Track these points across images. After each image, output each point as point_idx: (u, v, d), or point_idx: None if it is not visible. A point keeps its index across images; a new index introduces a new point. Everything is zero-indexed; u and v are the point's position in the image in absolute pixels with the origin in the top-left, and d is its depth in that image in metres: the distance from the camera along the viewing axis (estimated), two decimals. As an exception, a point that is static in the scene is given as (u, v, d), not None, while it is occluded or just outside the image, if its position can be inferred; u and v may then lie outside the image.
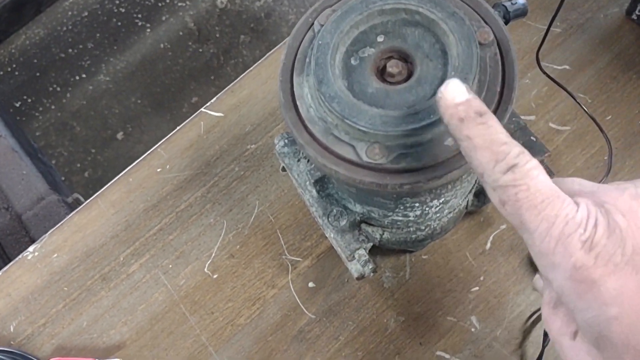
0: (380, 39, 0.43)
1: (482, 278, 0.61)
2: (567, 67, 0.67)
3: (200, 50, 1.88)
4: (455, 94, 0.35)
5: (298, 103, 0.43)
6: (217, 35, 1.88)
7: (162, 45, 1.89)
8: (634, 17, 0.67)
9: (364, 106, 0.40)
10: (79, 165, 1.79)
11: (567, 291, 0.31)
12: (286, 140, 0.54)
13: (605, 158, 0.63)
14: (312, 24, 0.45)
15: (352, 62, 0.43)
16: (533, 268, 0.61)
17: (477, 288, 0.61)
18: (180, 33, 1.90)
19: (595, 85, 0.66)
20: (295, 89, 0.44)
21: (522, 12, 0.53)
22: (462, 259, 0.62)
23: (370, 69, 0.42)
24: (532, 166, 0.32)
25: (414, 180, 0.40)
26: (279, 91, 0.44)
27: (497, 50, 0.42)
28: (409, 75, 0.42)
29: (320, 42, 0.42)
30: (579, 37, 0.68)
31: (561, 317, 0.36)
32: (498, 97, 0.41)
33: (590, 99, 0.66)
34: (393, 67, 0.42)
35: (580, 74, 0.67)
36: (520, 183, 0.31)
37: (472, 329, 0.60)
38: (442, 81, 0.41)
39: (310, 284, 0.64)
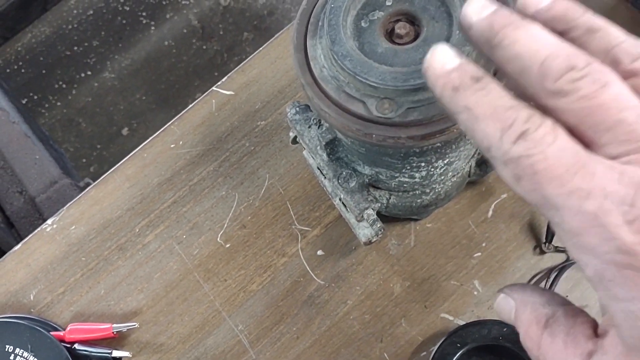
0: (388, 2, 0.46)
1: (484, 244, 0.64)
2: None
3: (204, 47, 1.91)
4: (444, 60, 0.30)
5: (312, 64, 0.46)
6: (221, 33, 1.91)
7: (166, 43, 1.93)
8: (628, -3, 0.70)
9: (374, 64, 0.43)
10: (85, 160, 1.82)
11: (608, 277, 0.25)
12: (297, 108, 0.57)
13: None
14: (324, -10, 0.48)
15: (363, 24, 0.46)
16: (533, 234, 0.64)
17: (479, 254, 0.64)
18: (184, 31, 1.93)
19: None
20: (308, 51, 0.47)
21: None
22: (465, 226, 0.65)
23: (380, 30, 0.45)
24: (547, 129, 0.26)
25: (423, 133, 0.43)
26: (294, 54, 0.47)
27: (499, 13, 0.45)
28: (416, 36, 0.45)
29: (332, 5, 0.45)
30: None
31: (562, 338, 0.29)
32: (500, 56, 0.44)
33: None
34: (401, 28, 0.45)
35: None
36: (534, 152, 0.26)
37: (475, 292, 0.62)
38: (447, 40, 0.44)
39: (319, 252, 0.66)
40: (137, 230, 0.69)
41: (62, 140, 1.84)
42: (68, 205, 0.71)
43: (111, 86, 1.90)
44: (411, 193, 0.56)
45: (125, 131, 1.84)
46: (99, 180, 0.72)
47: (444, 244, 0.64)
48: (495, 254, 0.63)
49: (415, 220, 0.66)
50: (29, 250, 0.70)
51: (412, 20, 0.45)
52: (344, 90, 0.45)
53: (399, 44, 0.45)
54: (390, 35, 0.45)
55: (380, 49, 0.44)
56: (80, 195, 0.72)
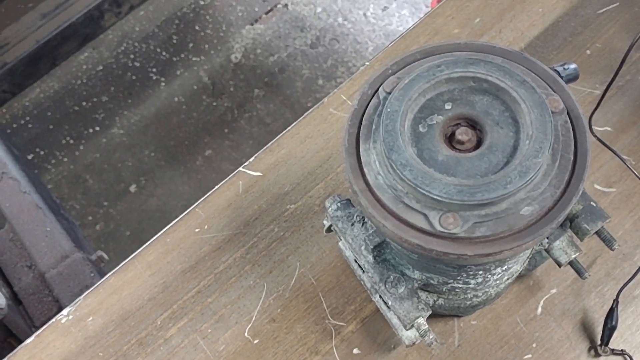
0: (447, 106, 0.43)
1: (534, 345, 0.59)
2: (609, 128, 0.67)
3: (215, 104, 1.89)
4: None
5: (365, 170, 0.43)
6: (232, 90, 1.90)
7: (176, 99, 1.91)
8: (674, 79, 0.68)
9: (436, 174, 0.40)
10: (90, 218, 1.78)
11: None
12: (339, 204, 0.53)
13: (654, 220, 0.63)
14: (377, 90, 0.45)
15: (421, 129, 0.42)
16: (587, 334, 0.59)
17: (529, 356, 0.59)
18: (195, 87, 1.92)
19: (639, 147, 0.66)
20: (361, 156, 0.43)
21: (574, 77, 0.53)
22: (513, 324, 0.60)
23: (439, 136, 0.42)
24: None
25: (490, 251, 0.39)
26: (346, 158, 0.44)
27: (568, 118, 0.42)
28: (479, 142, 0.42)
29: (388, 109, 0.42)
30: (619, 99, 0.69)
31: None
32: (572, 165, 0.41)
33: (634, 161, 0.66)
34: (462, 134, 0.42)
35: (622, 135, 0.67)
36: None
37: (527, 399, 0.58)
38: (514, 148, 0.41)
39: (355, 350, 0.62)
40: (159, 322, 0.65)
41: (68, 197, 1.80)
42: (85, 294, 0.67)
43: (119, 142, 1.87)
44: (462, 296, 0.52)
45: (133, 188, 1.80)
46: (119, 267, 0.68)
47: (491, 344, 0.60)
48: (546, 356, 0.59)
49: (459, 316, 0.61)
50: (43, 343, 0.65)
51: (474, 125, 0.42)
52: (403, 201, 0.41)
53: (460, 150, 0.42)
54: (451, 140, 0.42)
55: (441, 156, 0.41)
56: (98, 283, 0.68)
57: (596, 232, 0.51)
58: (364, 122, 0.44)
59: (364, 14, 1.97)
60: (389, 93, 0.43)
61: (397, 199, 0.41)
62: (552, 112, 0.41)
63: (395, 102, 0.42)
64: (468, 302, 0.54)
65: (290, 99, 1.83)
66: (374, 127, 0.43)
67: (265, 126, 1.82)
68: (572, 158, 0.41)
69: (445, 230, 0.40)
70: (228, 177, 0.71)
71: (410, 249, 0.41)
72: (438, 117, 0.43)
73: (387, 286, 0.50)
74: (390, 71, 0.46)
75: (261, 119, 1.84)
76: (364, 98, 0.45)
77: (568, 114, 0.43)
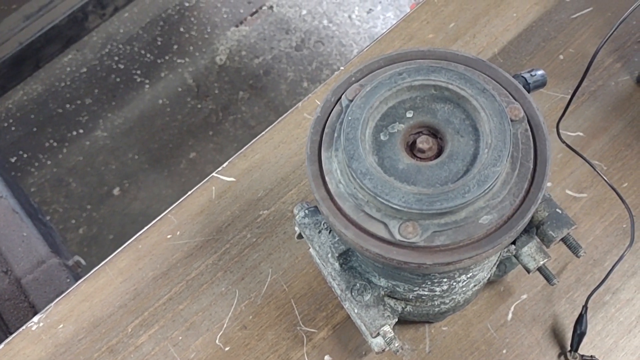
0: (409, 114, 0.43)
1: (504, 351, 0.59)
2: (581, 133, 0.68)
3: (199, 106, 1.88)
4: None
5: (327, 178, 0.43)
6: (216, 92, 1.90)
7: (160, 102, 1.90)
8: (645, 85, 0.68)
9: (396, 183, 0.40)
10: (73, 221, 1.77)
11: None
12: (306, 211, 0.53)
13: (624, 226, 0.63)
14: (340, 98, 0.45)
15: (382, 137, 0.42)
16: (557, 339, 0.59)
17: (499, 361, 0.59)
18: (179, 89, 1.91)
19: (609, 153, 0.66)
20: (323, 164, 0.43)
21: (541, 83, 0.53)
22: (483, 330, 0.60)
23: (400, 144, 0.42)
24: None
25: (450, 260, 0.39)
26: (308, 166, 0.43)
27: (528, 126, 0.42)
28: (440, 151, 0.42)
29: (350, 117, 0.42)
30: (591, 105, 0.69)
31: None
32: (531, 173, 0.41)
33: (605, 166, 0.66)
34: (423, 142, 0.41)
35: (594, 141, 0.67)
36: None
37: (497, 405, 0.58)
38: (474, 157, 0.40)
39: (327, 357, 0.61)
40: (130, 330, 0.64)
41: (51, 201, 1.79)
42: (56, 301, 0.66)
43: (103, 145, 1.86)
44: (429, 304, 0.52)
45: (116, 191, 1.79)
46: (90, 273, 0.68)
47: (461, 350, 0.60)
48: (516, 361, 0.59)
49: (430, 322, 0.61)
50: (13, 351, 0.64)
51: (435, 133, 0.42)
52: (363, 210, 0.41)
53: (421, 159, 0.42)
54: (412, 148, 0.42)
55: (402, 164, 0.41)
56: (69, 290, 0.67)
57: (562, 239, 0.51)
58: (326, 129, 0.44)
59: (349, 17, 1.97)
60: (351, 101, 0.43)
61: (357, 208, 0.41)
62: (512, 121, 0.41)
63: (356, 110, 0.42)
64: (436, 309, 0.54)
65: (274, 101, 1.83)
66: (335, 135, 0.43)
67: (249, 129, 1.82)
68: (531, 166, 0.41)
69: (404, 239, 0.39)
70: (201, 183, 0.71)
71: (371, 257, 0.41)
72: (399, 126, 0.42)
73: (353, 294, 0.50)
74: (353, 78, 0.46)
75: (246, 121, 1.84)
76: (327, 105, 0.45)
77: (529, 122, 0.43)
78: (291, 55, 1.92)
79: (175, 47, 1.97)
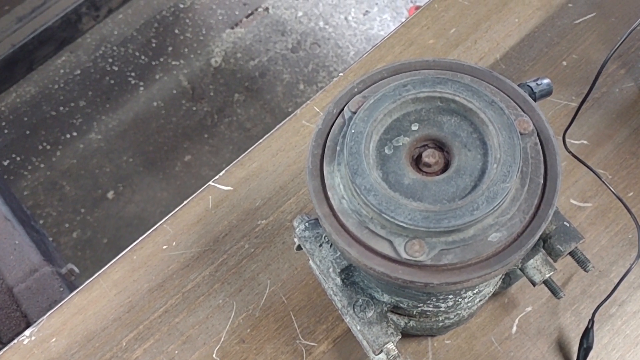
0: (414, 127, 0.41)
1: (509, 365, 0.58)
2: (585, 142, 0.66)
3: (194, 108, 1.87)
4: None
5: (329, 193, 0.41)
6: (211, 94, 1.88)
7: (155, 104, 1.88)
8: (650, 92, 0.67)
9: (402, 199, 0.38)
10: (67, 225, 1.75)
11: None
12: (307, 224, 0.51)
13: (630, 236, 0.62)
14: (342, 110, 0.44)
15: (386, 151, 0.41)
16: (563, 353, 0.58)
17: (504, 375, 0.58)
18: (174, 91, 1.90)
19: (614, 161, 0.65)
20: (326, 178, 0.42)
21: (547, 92, 0.52)
22: (488, 343, 0.59)
23: (405, 158, 0.41)
24: None
25: (458, 280, 0.38)
26: (309, 181, 0.42)
27: (537, 140, 0.41)
28: (446, 165, 0.40)
29: (353, 130, 0.40)
30: (595, 112, 0.68)
31: None
32: (542, 189, 0.40)
33: (610, 175, 0.64)
34: (429, 156, 0.40)
35: (598, 149, 0.66)
36: None
37: (501, 421, 0.56)
38: (482, 172, 0.39)
39: (327, 371, 0.60)
40: (124, 344, 0.63)
41: (44, 204, 1.77)
42: (49, 313, 0.65)
43: (97, 148, 1.84)
44: (434, 319, 0.51)
45: (110, 195, 1.77)
46: (83, 286, 0.66)
47: (464, 365, 0.59)
48: (521, 376, 0.58)
49: (433, 336, 0.60)
50: (3, 366, 0.63)
51: (441, 146, 0.41)
52: (367, 227, 0.39)
53: (427, 173, 0.40)
54: (417, 163, 0.41)
55: (407, 180, 0.40)
56: (61, 302, 0.66)
57: (570, 253, 0.50)
58: (328, 143, 0.43)
59: (346, 18, 1.95)
60: (354, 113, 0.42)
61: (361, 225, 0.40)
62: (522, 134, 0.40)
63: (360, 122, 0.41)
64: (440, 324, 0.53)
65: (270, 103, 1.81)
66: (338, 148, 0.42)
67: (245, 131, 1.80)
68: (541, 182, 0.40)
69: (410, 258, 0.38)
70: (197, 192, 0.69)
71: (375, 276, 0.40)
72: (404, 139, 0.41)
73: (355, 310, 0.49)
74: (356, 89, 0.44)
75: (241, 123, 1.82)
76: (329, 117, 0.44)
77: (538, 135, 0.41)
78: (287, 57, 1.90)
79: (170, 49, 1.95)
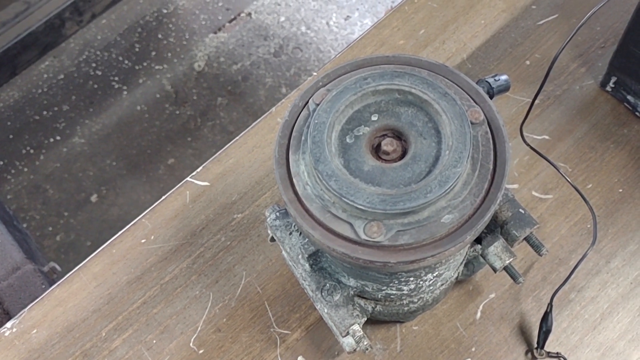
0: (374, 117, 0.44)
1: (473, 349, 0.61)
2: (547, 137, 0.69)
3: (177, 112, 1.89)
4: None
5: (294, 180, 0.44)
6: (194, 98, 1.90)
7: (138, 108, 1.90)
8: (609, 88, 0.70)
9: (361, 184, 0.41)
10: (51, 229, 1.76)
11: None
12: (277, 213, 0.54)
13: (589, 226, 0.65)
14: (307, 102, 0.46)
15: (348, 140, 0.43)
16: (524, 337, 0.61)
17: (469, 359, 0.61)
18: (157, 95, 1.91)
19: (574, 155, 0.68)
20: (291, 166, 0.44)
21: (505, 88, 0.55)
22: (453, 329, 0.62)
23: (365, 146, 0.43)
24: None
25: (413, 258, 0.40)
26: (275, 169, 0.44)
27: (488, 129, 0.44)
28: (404, 152, 0.43)
29: (316, 121, 0.43)
30: (557, 108, 0.71)
31: None
32: (491, 174, 0.42)
33: (570, 168, 0.68)
34: (388, 145, 0.43)
35: (559, 143, 0.69)
36: None
37: (466, 402, 0.59)
38: (436, 158, 0.42)
39: (300, 358, 0.62)
40: (104, 334, 0.65)
41: (28, 208, 1.78)
42: (29, 306, 0.67)
43: (80, 152, 1.85)
44: (398, 303, 0.53)
45: (94, 198, 1.78)
46: (64, 279, 0.68)
47: (432, 349, 0.61)
48: (485, 359, 0.60)
49: (401, 322, 0.62)
50: (-15, 357, 0.64)
51: (399, 135, 0.44)
52: (329, 211, 0.42)
53: (386, 160, 0.43)
54: (377, 151, 0.43)
55: (367, 166, 0.42)
56: (42, 295, 0.67)
57: (525, 238, 0.53)
58: (294, 133, 0.45)
59: (327, 23, 1.98)
60: (318, 105, 0.44)
61: (324, 209, 0.42)
62: (473, 123, 0.43)
63: (323, 113, 0.43)
64: (406, 308, 0.55)
65: (253, 107, 1.83)
66: (303, 138, 0.44)
67: (228, 134, 1.82)
68: (491, 167, 0.42)
69: (369, 239, 0.40)
70: (175, 187, 0.71)
71: (338, 257, 0.42)
72: (365, 129, 0.44)
73: (323, 294, 0.51)
74: (320, 83, 0.47)
75: (224, 127, 1.84)
76: (295, 110, 0.46)
77: (489, 124, 0.44)
78: (269, 62, 1.93)
79: (154, 53, 1.97)
